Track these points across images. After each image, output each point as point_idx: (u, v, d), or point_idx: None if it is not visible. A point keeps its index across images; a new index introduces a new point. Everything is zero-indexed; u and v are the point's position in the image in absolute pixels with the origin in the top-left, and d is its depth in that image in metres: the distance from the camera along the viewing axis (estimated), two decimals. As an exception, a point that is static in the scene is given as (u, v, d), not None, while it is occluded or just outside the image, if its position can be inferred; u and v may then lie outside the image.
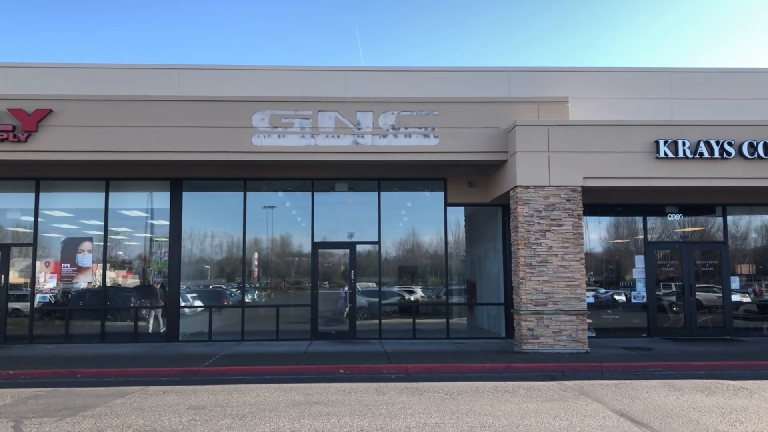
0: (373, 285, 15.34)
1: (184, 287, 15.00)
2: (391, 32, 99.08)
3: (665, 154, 12.80)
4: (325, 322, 15.08)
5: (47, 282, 14.81)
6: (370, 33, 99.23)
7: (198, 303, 15.38)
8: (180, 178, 14.78)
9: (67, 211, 15.27)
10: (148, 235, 15.48)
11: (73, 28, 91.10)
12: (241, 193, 14.99)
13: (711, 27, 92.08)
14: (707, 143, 12.84)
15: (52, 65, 15.07)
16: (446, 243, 15.29)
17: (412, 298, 15.79)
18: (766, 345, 13.60)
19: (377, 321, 14.97)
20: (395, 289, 15.86)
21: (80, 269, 14.82)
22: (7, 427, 7.01)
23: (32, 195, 14.74)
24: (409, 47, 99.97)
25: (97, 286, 14.83)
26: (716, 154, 12.81)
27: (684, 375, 10.39)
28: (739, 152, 12.87)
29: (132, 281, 15.43)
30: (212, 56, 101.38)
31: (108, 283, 14.80)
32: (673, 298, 15.43)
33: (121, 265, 15.42)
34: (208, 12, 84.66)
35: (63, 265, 14.82)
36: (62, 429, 6.92)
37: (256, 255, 15.49)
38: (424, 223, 15.82)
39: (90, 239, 14.91)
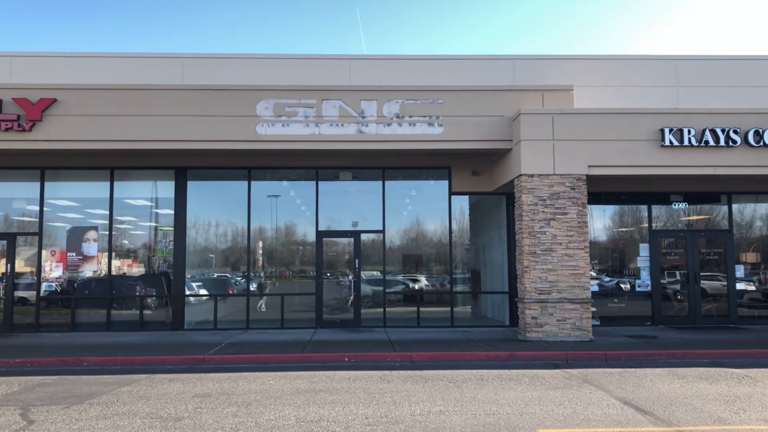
0: (377, 274, 15.37)
1: (189, 276, 15.06)
2: (393, 20, 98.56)
3: (670, 142, 12.75)
4: (330, 310, 15.13)
5: (53, 271, 14.88)
6: (372, 20, 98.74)
7: (203, 291, 15.44)
8: (184, 167, 14.79)
9: (72, 200, 15.31)
10: (153, 224, 15.53)
11: (76, 19, 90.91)
12: (246, 182, 15.00)
13: (718, 14, 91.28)
14: (713, 131, 12.78)
15: (56, 54, 15.04)
16: (450, 232, 15.28)
17: (416, 287, 15.81)
18: (770, 333, 13.60)
19: (382, 309, 15.00)
20: (399, 277, 15.87)
21: (86, 258, 14.89)
22: (14, 415, 7.07)
23: (37, 184, 14.77)
24: (412, 35, 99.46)
25: (102, 275, 14.90)
26: (722, 142, 12.76)
27: (688, 363, 10.40)
28: (745, 140, 12.81)
29: (137, 270, 15.50)
30: (215, 45, 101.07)
31: (113, 272, 14.85)
32: (678, 287, 15.41)
33: (126, 253, 15.48)
34: (208, 4, 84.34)
35: (68, 254, 14.89)
36: (69, 416, 6.98)
37: (260, 244, 15.52)
38: (428, 211, 15.80)
39: (95, 228, 14.97)
